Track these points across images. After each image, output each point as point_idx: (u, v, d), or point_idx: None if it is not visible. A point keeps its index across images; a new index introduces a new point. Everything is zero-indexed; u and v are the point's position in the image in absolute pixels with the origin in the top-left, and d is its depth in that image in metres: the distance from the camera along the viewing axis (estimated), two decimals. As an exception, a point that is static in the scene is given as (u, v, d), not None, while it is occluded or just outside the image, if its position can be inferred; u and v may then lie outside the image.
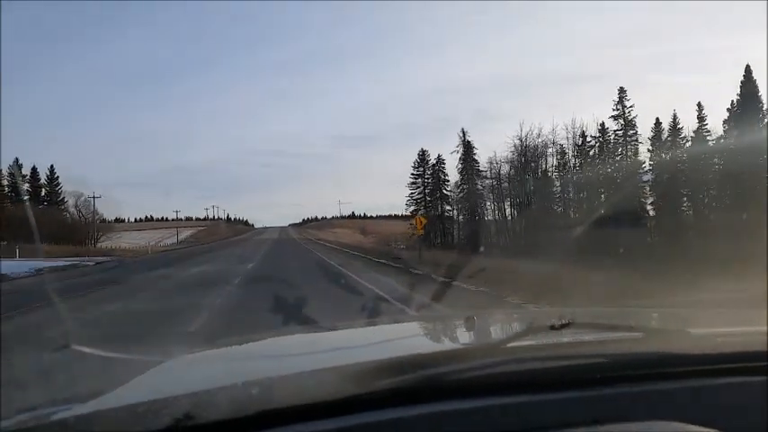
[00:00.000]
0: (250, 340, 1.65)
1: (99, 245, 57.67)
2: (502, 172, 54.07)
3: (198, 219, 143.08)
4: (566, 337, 1.08)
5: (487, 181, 58.38)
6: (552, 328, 1.06)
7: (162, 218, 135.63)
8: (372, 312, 7.87)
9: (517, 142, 48.55)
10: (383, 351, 1.18)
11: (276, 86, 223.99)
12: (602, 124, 45.01)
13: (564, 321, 1.06)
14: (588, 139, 46.36)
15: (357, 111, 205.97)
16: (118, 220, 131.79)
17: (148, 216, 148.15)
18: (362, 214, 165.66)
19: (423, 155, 70.00)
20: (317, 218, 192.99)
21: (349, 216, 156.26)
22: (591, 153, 45.75)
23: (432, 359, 0.95)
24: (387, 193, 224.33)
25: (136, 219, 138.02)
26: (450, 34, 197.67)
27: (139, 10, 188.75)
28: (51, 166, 62.75)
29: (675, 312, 2.04)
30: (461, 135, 63.57)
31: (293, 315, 6.46)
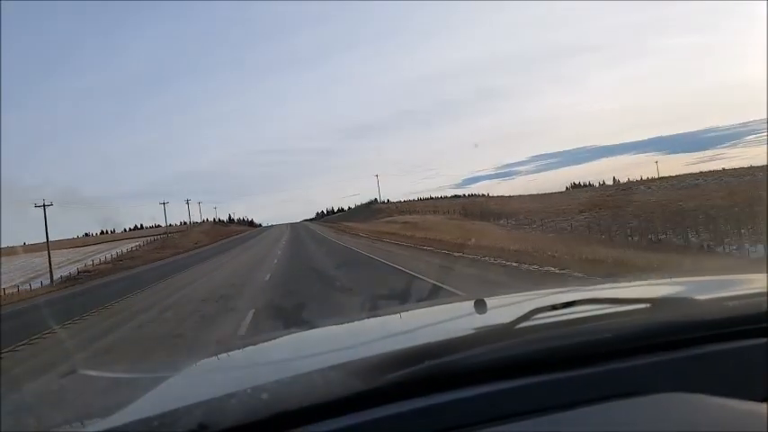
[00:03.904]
0: (256, 343, 1.65)
1: None
2: None
3: (188, 223, 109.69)
4: (570, 315, 1.03)
5: None
6: (556, 306, 1.04)
7: (153, 225, 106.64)
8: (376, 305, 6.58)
9: None
10: (390, 343, 1.15)
11: (276, 85, 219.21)
12: None
13: (567, 300, 1.06)
14: None
15: (360, 102, 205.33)
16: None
17: (138, 225, 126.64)
18: (387, 200, 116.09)
19: None
20: (333, 210, 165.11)
21: (373, 200, 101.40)
22: None
23: (439, 348, 0.92)
24: (402, 182, 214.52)
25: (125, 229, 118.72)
26: (444, 17, 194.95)
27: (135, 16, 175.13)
28: None
29: (682, 281, 1.83)
30: None
31: None
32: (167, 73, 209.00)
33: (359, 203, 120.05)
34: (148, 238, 79.45)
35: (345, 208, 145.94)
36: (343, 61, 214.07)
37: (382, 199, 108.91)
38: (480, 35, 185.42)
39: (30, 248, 70.29)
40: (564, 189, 66.26)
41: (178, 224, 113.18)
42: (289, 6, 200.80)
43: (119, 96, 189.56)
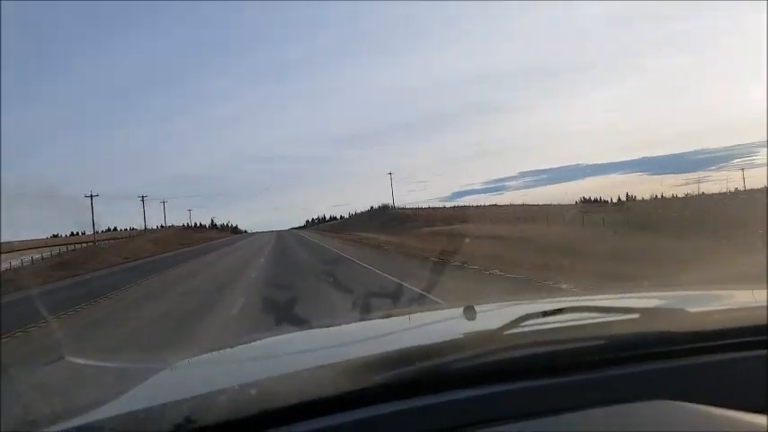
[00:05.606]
0: (246, 342, 1.64)
1: None
2: None
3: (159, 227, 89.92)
4: (561, 322, 1.04)
5: None
6: (546, 314, 1.04)
7: (129, 228, 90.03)
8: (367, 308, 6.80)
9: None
10: (380, 345, 1.16)
11: (268, 91, 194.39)
12: None
13: (557, 307, 1.07)
14: None
15: (353, 110, 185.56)
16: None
17: (111, 227, 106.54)
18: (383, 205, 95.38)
19: None
20: (324, 218, 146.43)
21: (386, 206, 79.78)
22: None
23: (427, 351, 0.93)
24: (398, 191, 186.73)
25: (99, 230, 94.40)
26: (439, 29, 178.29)
27: (130, 18, 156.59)
28: None
29: (674, 293, 1.87)
30: None
31: None
32: (162, 76, 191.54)
33: (353, 212, 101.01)
34: (71, 246, 57.20)
35: (338, 216, 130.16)
36: (338, 70, 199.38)
37: (378, 205, 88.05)
38: (475, 50, 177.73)
39: None
40: (573, 203, 61.32)
41: (155, 227, 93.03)
42: (286, 13, 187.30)
43: (114, 97, 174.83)
